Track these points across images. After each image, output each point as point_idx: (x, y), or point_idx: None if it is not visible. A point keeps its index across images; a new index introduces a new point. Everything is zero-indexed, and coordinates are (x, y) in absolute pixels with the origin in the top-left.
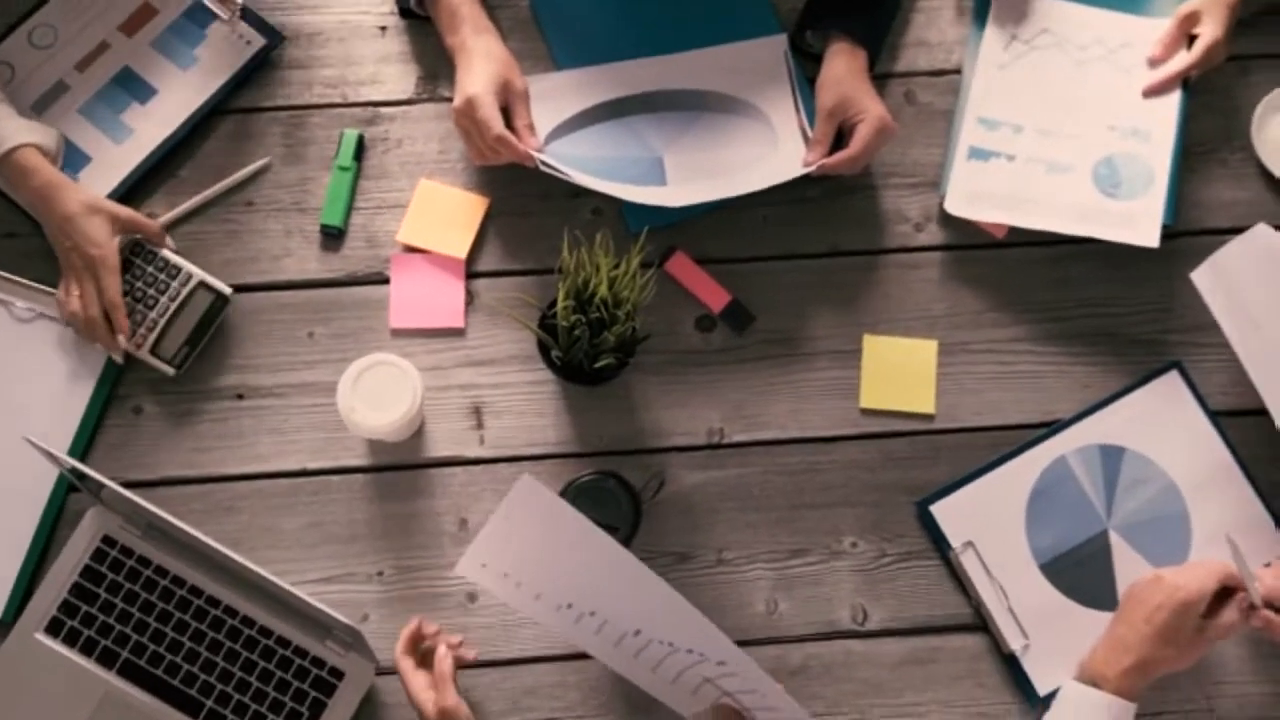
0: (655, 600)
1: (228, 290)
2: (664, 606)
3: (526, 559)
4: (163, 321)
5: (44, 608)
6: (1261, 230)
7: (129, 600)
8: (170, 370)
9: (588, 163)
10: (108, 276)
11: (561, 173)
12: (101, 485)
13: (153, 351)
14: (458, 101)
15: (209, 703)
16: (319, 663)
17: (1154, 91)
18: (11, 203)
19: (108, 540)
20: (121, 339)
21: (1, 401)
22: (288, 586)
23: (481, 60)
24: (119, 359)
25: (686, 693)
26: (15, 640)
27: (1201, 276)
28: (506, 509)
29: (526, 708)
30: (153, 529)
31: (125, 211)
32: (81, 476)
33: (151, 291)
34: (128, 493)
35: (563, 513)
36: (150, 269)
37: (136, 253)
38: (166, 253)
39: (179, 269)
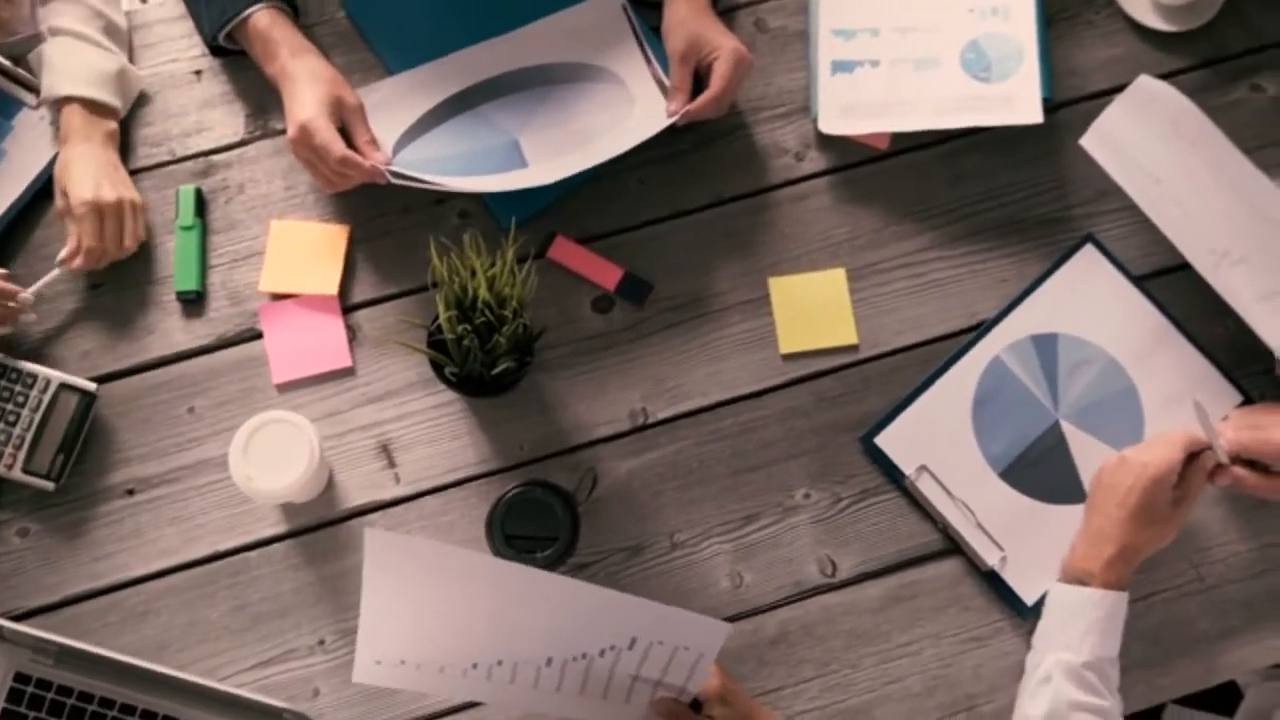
0: (550, 602)
1: (92, 387)
2: (561, 605)
3: (414, 629)
4: (30, 436)
5: None
6: (1143, 82)
7: None
8: (49, 485)
9: (442, 163)
10: None
11: (416, 181)
12: (1, 628)
13: (25, 469)
14: (291, 132)
15: None
16: None
17: None
18: None
19: (21, 678)
20: (22, 298)
21: None
22: (220, 686)
23: (307, 83)
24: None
25: (620, 704)
26: None
27: (1090, 141)
28: (370, 574)
29: None
30: (66, 654)
31: None
32: None
33: (11, 407)
34: (26, 627)
35: (424, 550)
36: (4, 382)
37: None
38: (20, 363)
39: (35, 376)
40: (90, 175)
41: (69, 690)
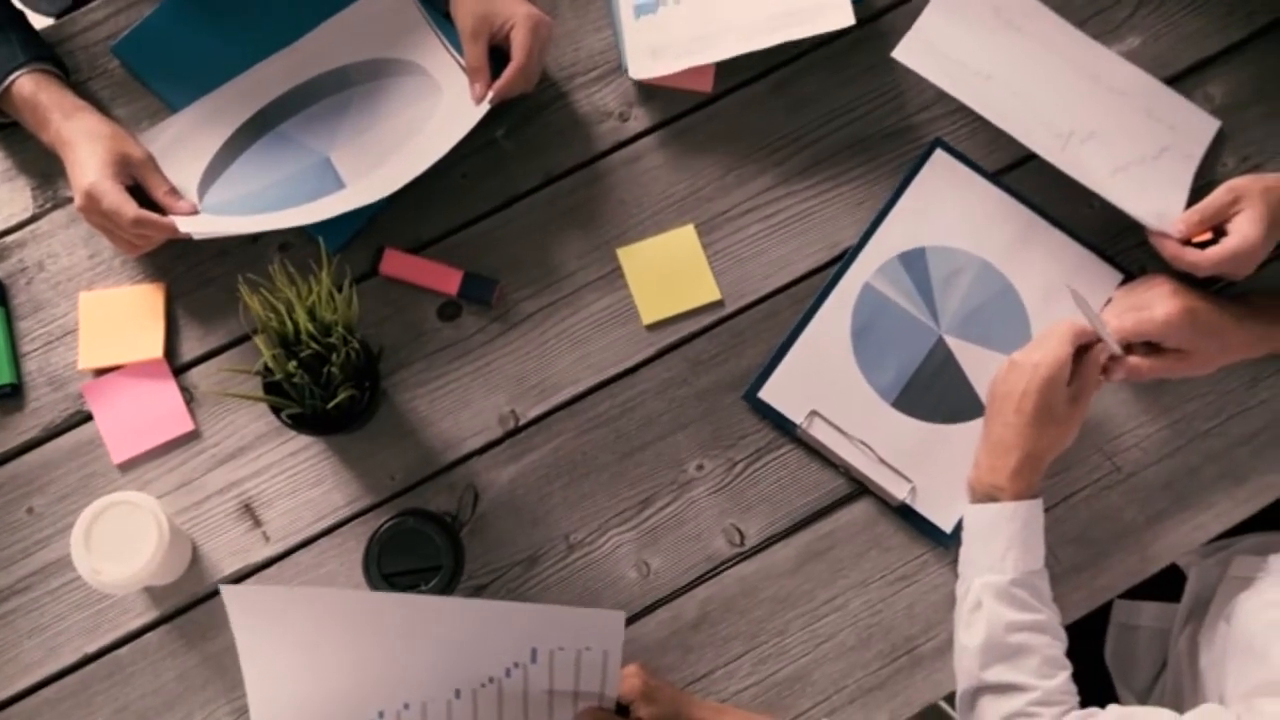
0: (438, 626)
1: None
2: (450, 627)
3: (306, 690)
4: None
5: None
6: None
7: None
8: None
9: (256, 198)
10: None
11: (221, 234)
12: None
13: None
14: (78, 200)
15: None
16: None
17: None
18: None
19: None
20: None
21: None
22: None
23: (85, 144)
24: None
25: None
26: None
27: (904, 52)
28: (241, 636)
29: None
30: None
31: None
32: None
33: None
34: None
35: (289, 596)
36: None
37: None
38: None
39: None
40: None
41: None
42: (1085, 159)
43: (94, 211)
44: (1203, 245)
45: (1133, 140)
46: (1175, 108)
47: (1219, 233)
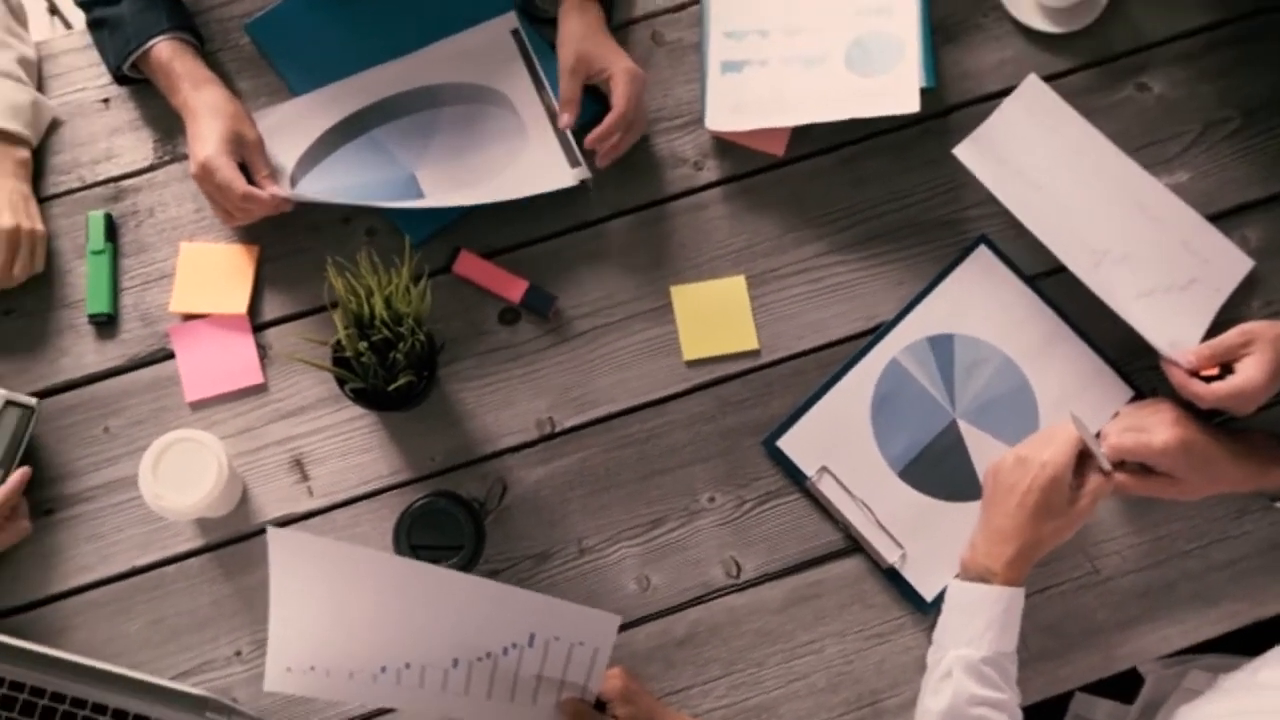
0: (451, 599)
1: (32, 401)
2: (462, 601)
3: (322, 633)
4: None
5: None
6: (1030, 83)
7: None
8: None
9: (344, 193)
10: None
11: (313, 200)
12: None
13: None
14: (193, 168)
15: None
16: None
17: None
18: None
19: None
20: None
21: None
22: (146, 677)
23: (208, 119)
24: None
25: (527, 705)
26: None
27: (965, 151)
28: (276, 575)
29: None
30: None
31: None
32: None
33: None
34: None
35: (326, 548)
36: None
37: None
38: None
39: None
40: (4, 202)
41: (0, 681)
42: (1115, 279)
43: (206, 181)
44: (1209, 379)
45: (1165, 268)
46: (1212, 243)
47: (1226, 369)
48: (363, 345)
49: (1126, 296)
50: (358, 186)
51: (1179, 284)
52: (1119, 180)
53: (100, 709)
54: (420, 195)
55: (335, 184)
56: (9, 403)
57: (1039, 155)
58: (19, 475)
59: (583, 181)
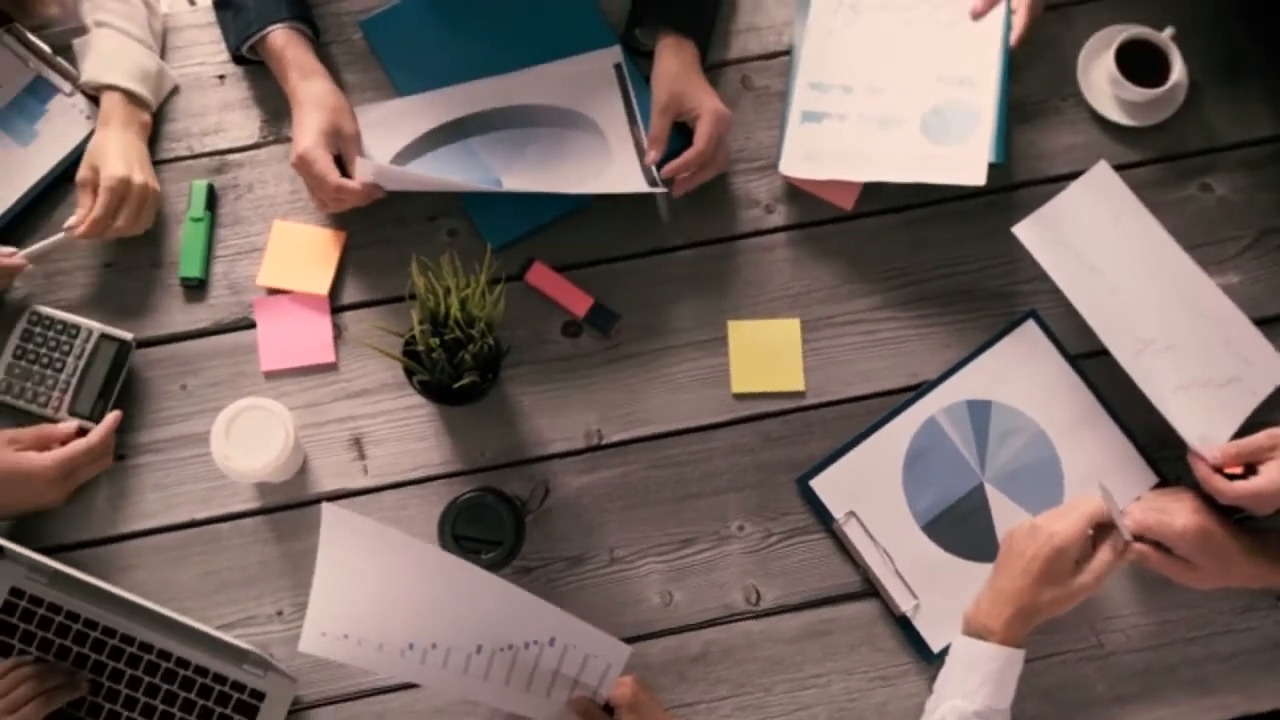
0: (484, 597)
1: (129, 336)
2: (493, 600)
3: (359, 605)
4: (74, 381)
5: None
6: (1100, 169)
7: (43, 648)
8: (92, 426)
9: (430, 174)
10: None
11: (409, 178)
12: (2, 547)
13: (71, 412)
14: (293, 157)
15: None
16: (239, 686)
17: (979, 13)
18: None
19: (16, 592)
20: (15, 261)
21: None
22: (193, 622)
23: (310, 110)
24: (27, 265)
25: (541, 697)
26: None
27: (1024, 229)
28: (324, 547)
29: None
30: (59, 577)
31: None
32: None
33: (56, 355)
34: (25, 549)
35: (375, 532)
36: (50, 334)
37: (35, 322)
38: (61, 315)
39: (78, 328)
40: (124, 158)
41: (57, 608)
42: (1156, 368)
43: (304, 171)
44: (1233, 477)
45: (1207, 363)
46: (1256, 346)
47: (1250, 470)
48: (435, 342)
49: (1165, 386)
50: (445, 183)
51: (1218, 381)
52: (1173, 273)
53: (146, 648)
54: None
55: (425, 182)
56: (104, 336)
57: (1099, 239)
58: (112, 418)
59: (658, 194)
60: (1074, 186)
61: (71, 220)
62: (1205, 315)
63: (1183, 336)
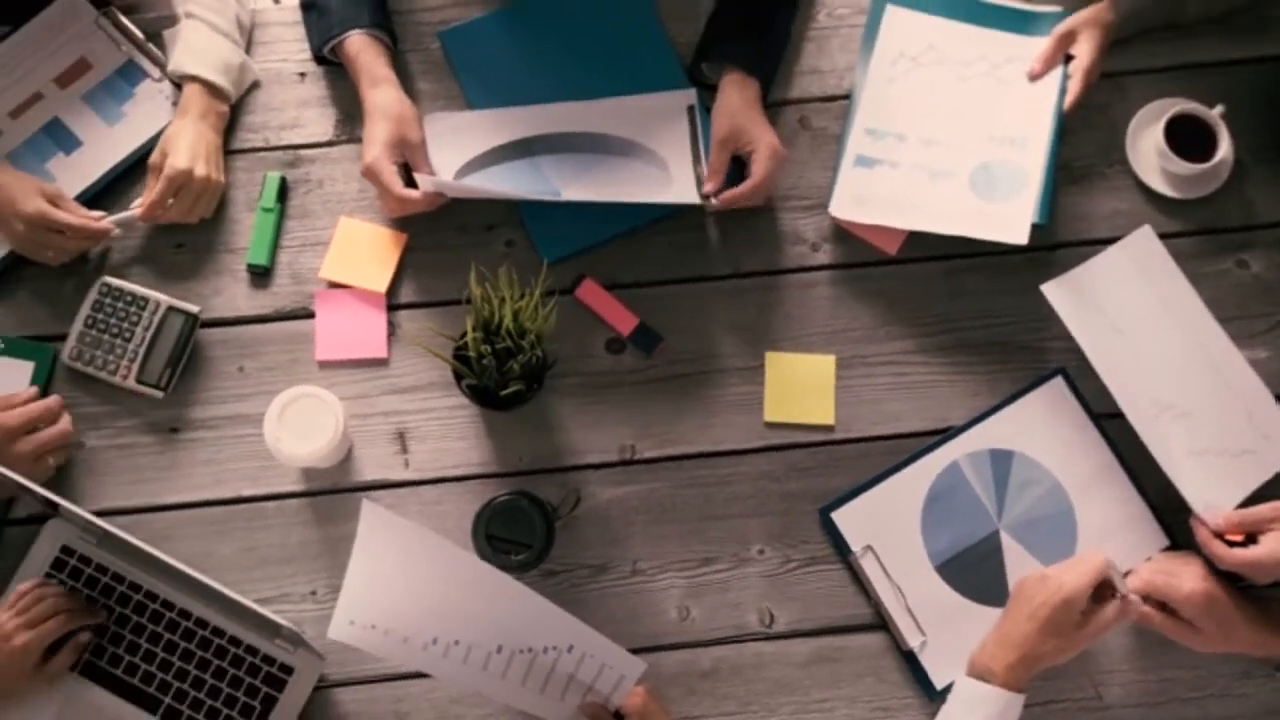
0: (510, 602)
1: (196, 309)
2: (517, 605)
3: (388, 598)
4: (142, 350)
5: None
6: (1144, 233)
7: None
8: (158, 394)
9: (490, 184)
10: (55, 216)
11: (469, 189)
12: (57, 504)
13: (139, 380)
14: (361, 165)
15: (167, 699)
16: (269, 660)
17: (1037, 75)
18: None
19: (66, 550)
20: (104, 224)
21: None
22: (232, 594)
23: (378, 121)
24: (115, 229)
25: (555, 700)
26: None
27: (1052, 289)
28: (360, 541)
29: (454, 715)
30: (108, 539)
31: (52, 186)
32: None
33: (126, 325)
34: (79, 509)
35: (410, 531)
36: (120, 304)
37: (105, 293)
38: (132, 287)
39: (147, 299)
40: (192, 149)
41: (104, 569)
42: (1171, 432)
43: (370, 179)
44: (1233, 544)
45: (1224, 433)
46: (1275, 421)
47: (1251, 538)
48: (486, 349)
49: (1177, 451)
50: (505, 193)
51: (1232, 451)
52: (1202, 341)
53: (185, 614)
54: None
55: (487, 191)
56: (172, 308)
57: (1131, 302)
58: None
59: (704, 208)
60: (1113, 249)
61: (139, 200)
62: (1230, 386)
63: (1203, 404)
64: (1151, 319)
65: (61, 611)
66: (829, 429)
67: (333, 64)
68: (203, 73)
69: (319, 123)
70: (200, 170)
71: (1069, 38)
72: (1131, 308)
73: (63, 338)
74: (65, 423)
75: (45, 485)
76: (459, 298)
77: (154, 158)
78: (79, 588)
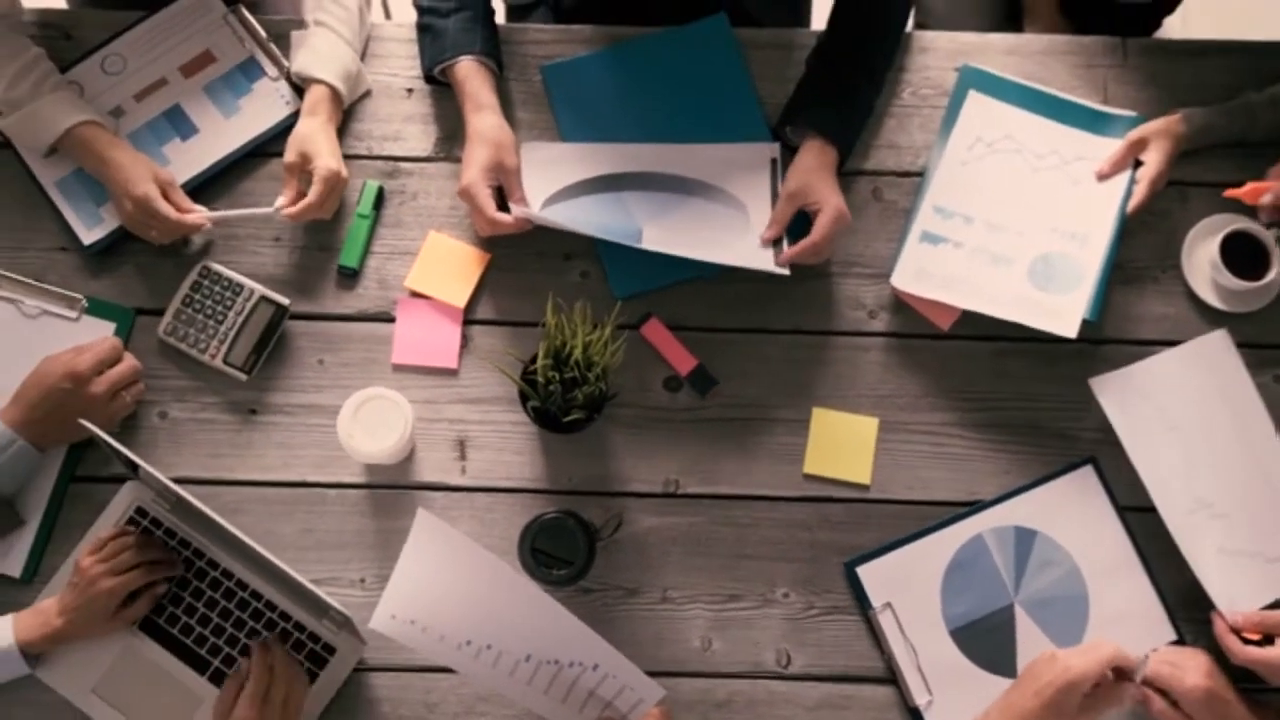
0: (542, 616)
1: (286, 302)
2: (550, 621)
3: (430, 599)
4: (232, 334)
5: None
6: (1219, 338)
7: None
8: (242, 376)
9: (578, 221)
10: (156, 206)
11: (556, 224)
12: (137, 466)
13: (225, 361)
14: (458, 186)
15: (216, 662)
16: (315, 638)
17: (1105, 176)
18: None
19: (140, 511)
20: (195, 217)
21: (9, 391)
22: (290, 570)
23: (477, 145)
24: (207, 224)
25: (574, 712)
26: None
27: (1102, 383)
28: (411, 544)
29: (480, 713)
30: (180, 506)
31: (165, 172)
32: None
33: (220, 308)
34: (158, 473)
35: (459, 542)
36: (217, 288)
37: (204, 275)
38: (230, 273)
39: (242, 286)
40: (334, 150)
41: (172, 534)
42: (1204, 529)
43: (466, 201)
44: (1249, 642)
45: (1259, 537)
46: None
47: (1269, 639)
48: (554, 376)
49: (1208, 547)
50: (590, 224)
51: (1266, 556)
52: (1256, 446)
53: (242, 585)
54: (639, 244)
55: (572, 219)
56: (264, 298)
57: (1191, 399)
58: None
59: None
60: (1184, 347)
61: (281, 201)
62: (1275, 488)
63: (1244, 507)
64: (1208, 418)
65: (143, 563)
66: (864, 488)
67: (440, 84)
68: (329, 78)
69: (420, 138)
70: (344, 172)
71: (1140, 144)
72: (1189, 405)
73: (155, 312)
74: (132, 359)
75: (129, 449)
76: (531, 320)
77: (290, 158)
78: (160, 535)
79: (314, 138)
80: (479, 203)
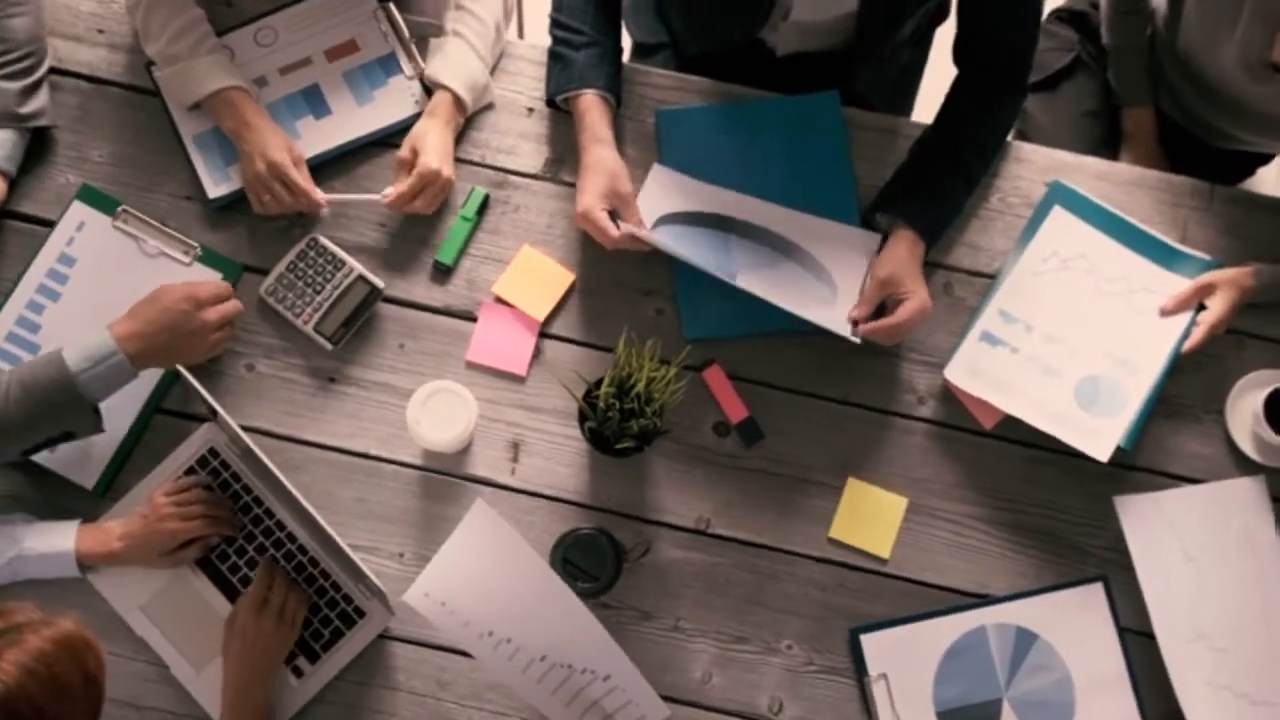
0: (572, 623)
1: (381, 284)
2: (579, 628)
3: (466, 585)
4: (326, 305)
5: (147, 494)
6: (1259, 481)
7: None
8: (328, 345)
9: (681, 249)
10: (290, 173)
11: (661, 245)
12: (216, 411)
13: (315, 328)
14: (576, 212)
15: None
16: (348, 599)
17: (1168, 312)
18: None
19: (212, 452)
20: (316, 195)
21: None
22: (337, 536)
23: (593, 174)
24: (325, 207)
25: (575, 716)
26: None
27: (1126, 504)
28: (461, 530)
29: (487, 700)
30: (248, 456)
31: (298, 148)
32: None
33: (320, 279)
34: (234, 421)
35: (508, 536)
36: (321, 260)
37: (311, 247)
38: (334, 248)
39: (343, 263)
40: (441, 151)
41: (238, 478)
42: (1197, 661)
43: (584, 225)
44: None
45: (1250, 678)
46: None
47: None
48: (615, 404)
49: (1196, 678)
50: (692, 254)
51: (1252, 697)
52: (1269, 594)
53: (291, 538)
54: (732, 285)
55: (676, 245)
56: (361, 277)
57: (1213, 534)
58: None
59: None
60: (1220, 483)
61: (389, 191)
62: (1276, 640)
63: (1243, 646)
64: (1226, 556)
65: (209, 517)
66: (883, 561)
67: (560, 110)
68: (455, 86)
69: (532, 156)
70: (446, 171)
71: (1208, 289)
72: (1211, 540)
73: (260, 271)
74: (238, 303)
75: (213, 394)
76: (601, 344)
77: (404, 153)
78: (226, 478)
79: (427, 136)
80: (599, 225)
